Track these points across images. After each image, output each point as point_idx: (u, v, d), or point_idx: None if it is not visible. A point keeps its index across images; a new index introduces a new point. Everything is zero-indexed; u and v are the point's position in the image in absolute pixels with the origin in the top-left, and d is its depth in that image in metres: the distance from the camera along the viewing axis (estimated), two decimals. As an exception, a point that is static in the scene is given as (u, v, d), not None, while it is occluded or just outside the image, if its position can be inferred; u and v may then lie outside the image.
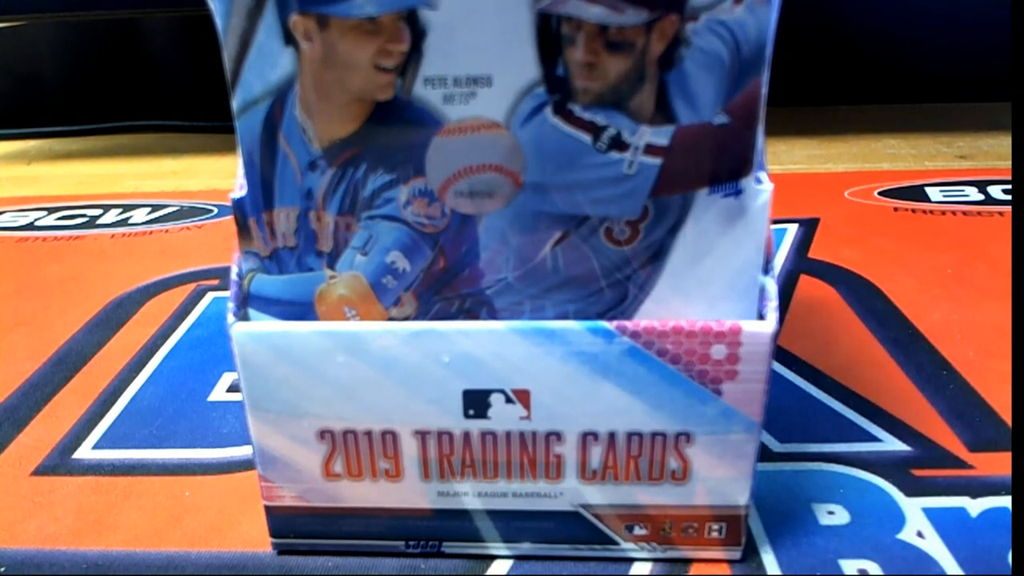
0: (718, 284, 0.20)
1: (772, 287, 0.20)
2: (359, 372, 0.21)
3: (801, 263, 0.42)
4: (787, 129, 0.64)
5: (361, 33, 0.18)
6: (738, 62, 0.17)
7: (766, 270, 0.20)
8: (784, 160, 0.61)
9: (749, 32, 0.17)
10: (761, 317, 0.20)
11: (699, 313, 0.20)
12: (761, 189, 0.19)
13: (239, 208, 0.20)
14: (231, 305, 0.21)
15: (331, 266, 0.21)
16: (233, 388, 0.33)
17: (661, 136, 0.18)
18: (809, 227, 0.47)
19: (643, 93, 0.18)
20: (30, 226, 0.53)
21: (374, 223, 0.20)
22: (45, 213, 0.55)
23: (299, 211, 0.20)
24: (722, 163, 0.18)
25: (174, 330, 0.38)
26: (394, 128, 0.19)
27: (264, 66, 0.19)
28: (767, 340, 0.19)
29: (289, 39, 0.18)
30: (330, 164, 0.19)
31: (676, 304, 0.20)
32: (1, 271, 0.46)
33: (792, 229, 0.47)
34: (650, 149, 0.18)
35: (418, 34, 0.18)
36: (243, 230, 0.20)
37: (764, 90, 0.18)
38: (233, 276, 0.21)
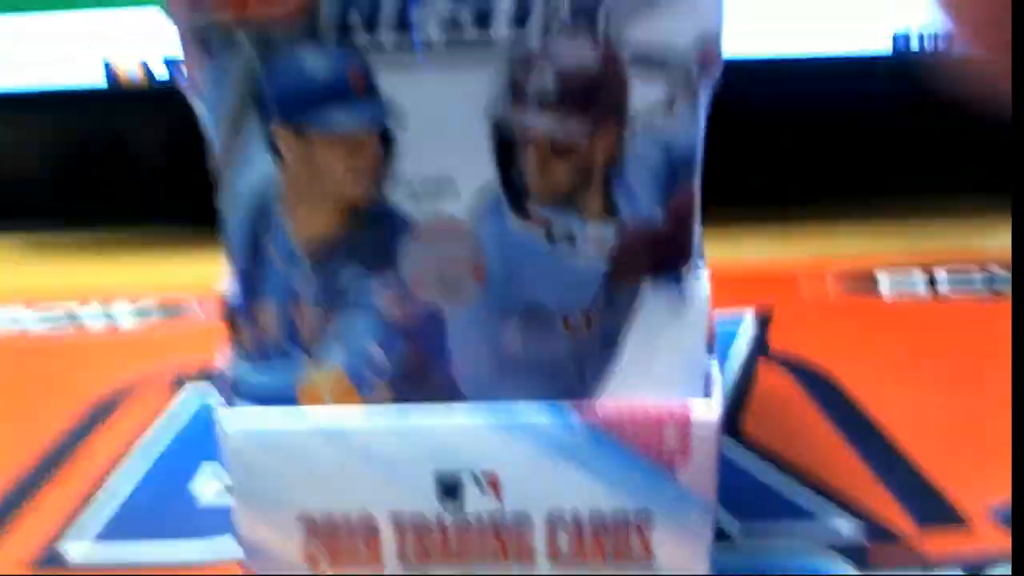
0: (667, 368, 0.22)
1: (716, 370, 0.22)
2: (337, 458, 0.22)
3: (758, 351, 0.44)
4: (745, 223, 0.67)
5: (337, 144, 0.20)
6: (672, 166, 0.20)
7: (710, 354, 0.22)
8: (741, 253, 0.63)
9: (680, 140, 0.19)
10: (707, 397, 0.22)
11: (652, 396, 0.22)
12: (700, 279, 0.21)
13: (225, 303, 0.22)
14: (217, 394, 0.22)
15: (311, 356, 0.22)
16: (215, 477, 0.34)
17: (608, 232, 0.20)
18: (765, 317, 0.49)
19: (590, 193, 0.20)
20: (12, 322, 0.54)
21: (350, 315, 0.22)
22: (25, 309, 0.56)
23: (281, 305, 0.22)
24: (663, 256, 0.20)
25: (155, 422, 0.39)
26: (368, 227, 0.21)
27: (249, 171, 0.20)
28: (714, 421, 0.21)
29: (272, 147, 0.20)
30: (310, 260, 0.21)
31: (629, 388, 0.22)
32: (-15, 373, 0.47)
33: (749, 319, 0.49)
34: (598, 244, 0.20)
35: (388, 143, 0.20)
36: (229, 323, 0.22)
37: (697, 190, 0.20)
38: (219, 366, 0.22)
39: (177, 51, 0.19)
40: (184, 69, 0.20)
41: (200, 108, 0.20)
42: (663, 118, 0.19)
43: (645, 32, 0.19)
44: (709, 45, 0.19)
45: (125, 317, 0.54)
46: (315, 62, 0.19)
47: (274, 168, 0.20)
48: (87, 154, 0.70)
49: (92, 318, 0.54)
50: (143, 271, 0.63)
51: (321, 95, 0.19)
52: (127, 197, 0.68)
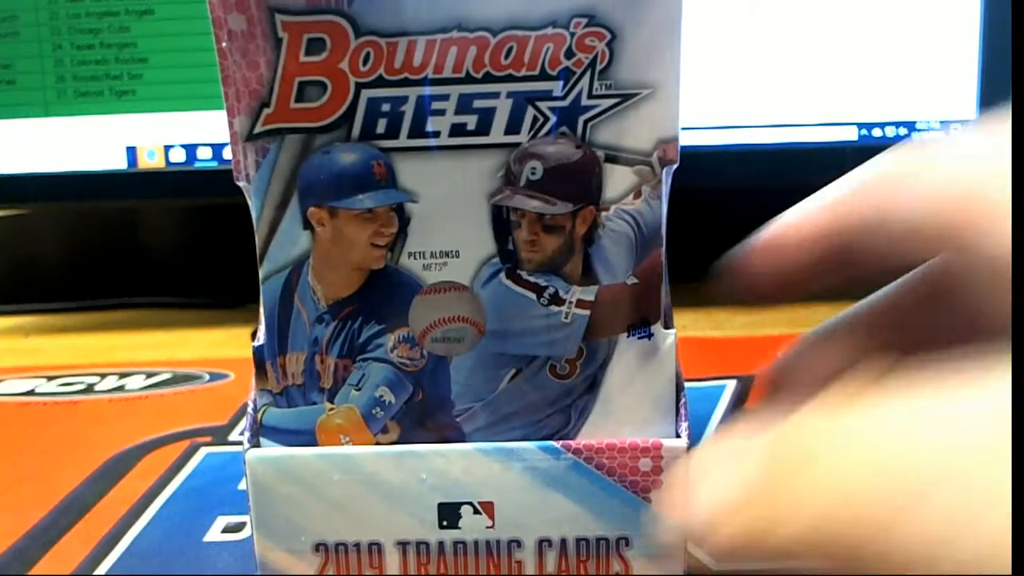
0: (641, 409, 0.25)
1: (685, 409, 0.25)
2: (351, 490, 0.25)
3: (736, 413, 0.47)
4: (730, 300, 0.71)
5: (361, 220, 0.24)
6: (641, 239, 0.24)
7: (679, 396, 0.25)
8: (726, 327, 0.67)
9: (647, 218, 0.24)
10: (678, 435, 0.25)
11: (628, 433, 0.25)
12: (668, 333, 0.25)
13: (259, 353, 0.25)
14: (246, 434, 0.25)
15: (331, 400, 0.25)
16: (228, 529, 0.36)
17: (588, 293, 0.24)
18: (745, 383, 0.52)
19: (573, 262, 0.24)
20: (30, 392, 0.57)
21: (366, 364, 0.25)
22: (45, 380, 0.59)
23: (307, 355, 0.25)
24: (635, 313, 0.24)
25: (171, 480, 0.41)
26: (384, 290, 0.25)
27: (286, 244, 0.24)
28: (683, 453, 0.24)
29: (307, 224, 0.24)
30: (333, 318, 0.25)
31: (609, 427, 0.25)
32: (4, 433, 0.50)
33: (731, 385, 0.52)
34: (580, 303, 0.24)
35: (404, 220, 0.24)
36: (260, 371, 0.25)
37: (663, 258, 0.24)
38: (249, 410, 0.26)
39: (232, 147, 0.24)
40: (236, 161, 0.24)
41: (248, 192, 0.24)
42: (632, 201, 0.23)
43: (616, 137, 0.23)
44: (667, 145, 0.23)
45: (139, 387, 0.57)
46: (346, 157, 0.23)
47: (308, 242, 0.24)
48: (98, 238, 0.74)
49: (107, 388, 0.57)
50: (156, 346, 0.66)
51: (350, 183, 0.24)
52: (136, 279, 0.71)
